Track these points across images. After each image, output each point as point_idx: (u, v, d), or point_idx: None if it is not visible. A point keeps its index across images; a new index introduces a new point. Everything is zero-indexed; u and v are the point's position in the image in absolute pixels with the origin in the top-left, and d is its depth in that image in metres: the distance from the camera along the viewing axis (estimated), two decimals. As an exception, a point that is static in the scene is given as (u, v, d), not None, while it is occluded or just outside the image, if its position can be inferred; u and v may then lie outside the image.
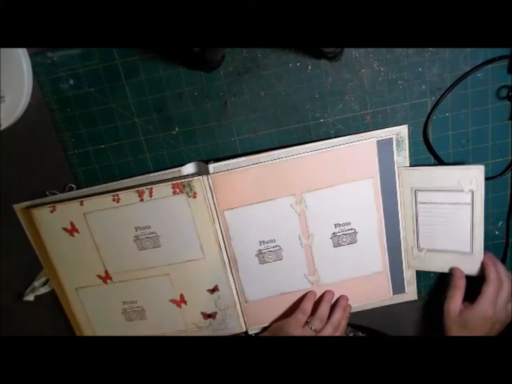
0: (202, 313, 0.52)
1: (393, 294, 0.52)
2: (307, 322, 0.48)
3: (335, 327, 0.48)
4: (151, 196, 0.47)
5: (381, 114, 0.47)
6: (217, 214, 0.47)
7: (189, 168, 0.48)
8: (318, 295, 0.51)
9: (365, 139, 0.45)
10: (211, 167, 0.46)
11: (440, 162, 0.48)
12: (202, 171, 0.47)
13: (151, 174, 0.48)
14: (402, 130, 0.46)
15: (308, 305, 0.49)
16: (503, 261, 0.52)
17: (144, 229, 0.48)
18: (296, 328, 0.48)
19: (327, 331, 0.47)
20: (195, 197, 0.46)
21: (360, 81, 0.45)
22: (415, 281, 0.52)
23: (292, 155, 0.46)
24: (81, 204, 0.47)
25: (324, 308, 0.49)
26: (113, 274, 0.50)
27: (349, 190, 0.47)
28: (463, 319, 0.44)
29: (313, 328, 0.47)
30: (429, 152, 0.48)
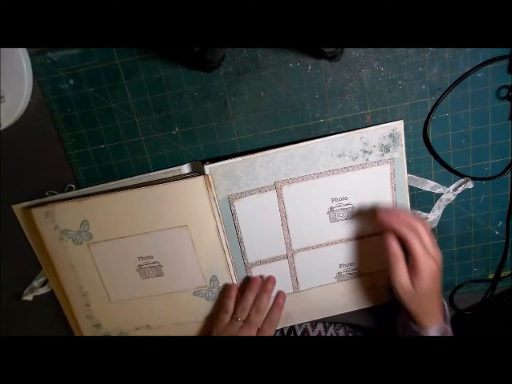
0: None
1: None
2: (232, 317, 0.48)
3: (260, 312, 0.47)
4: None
5: (381, 114, 0.47)
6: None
7: (185, 168, 0.48)
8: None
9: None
10: (207, 168, 0.46)
11: (440, 162, 0.48)
12: (198, 172, 0.48)
13: (151, 173, 0.48)
14: (398, 126, 0.46)
15: (229, 302, 0.48)
16: (503, 261, 0.52)
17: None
18: (223, 327, 0.47)
19: (252, 318, 0.46)
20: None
21: (360, 81, 0.45)
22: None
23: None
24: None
25: (246, 297, 0.48)
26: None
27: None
28: (419, 290, 0.41)
29: (238, 319, 0.46)
30: (429, 152, 0.48)
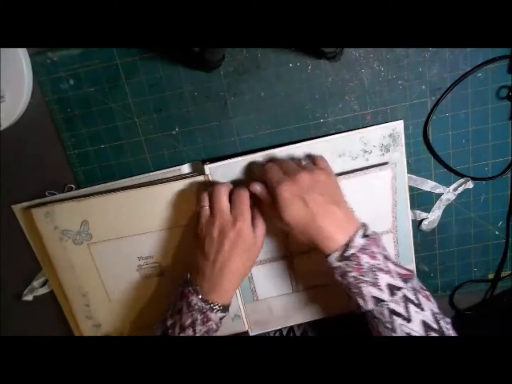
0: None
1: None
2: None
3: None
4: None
5: (381, 114, 0.47)
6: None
7: (185, 168, 0.48)
8: None
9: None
10: (207, 168, 0.46)
11: (440, 162, 0.48)
12: (198, 172, 0.48)
13: (151, 173, 0.48)
14: (398, 126, 0.46)
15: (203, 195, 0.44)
16: (503, 261, 0.52)
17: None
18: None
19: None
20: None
21: (360, 81, 0.45)
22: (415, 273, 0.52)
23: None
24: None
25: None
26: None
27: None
28: (287, 219, 0.39)
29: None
30: (429, 152, 0.48)
